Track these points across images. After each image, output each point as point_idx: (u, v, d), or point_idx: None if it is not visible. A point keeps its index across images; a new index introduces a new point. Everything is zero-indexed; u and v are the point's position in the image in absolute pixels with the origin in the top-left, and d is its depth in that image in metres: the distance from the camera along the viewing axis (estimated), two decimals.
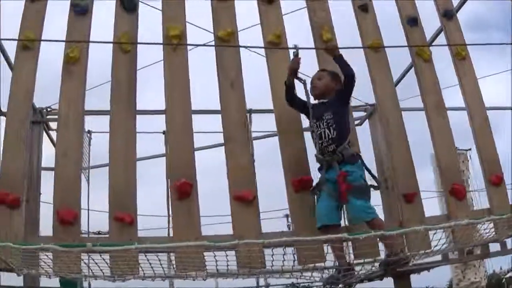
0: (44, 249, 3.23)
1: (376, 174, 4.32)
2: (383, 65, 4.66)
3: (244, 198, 4.10)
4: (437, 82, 4.70)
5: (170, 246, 3.49)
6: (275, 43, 4.48)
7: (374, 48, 4.60)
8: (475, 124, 4.68)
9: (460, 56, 4.77)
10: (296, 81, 4.16)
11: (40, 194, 5.95)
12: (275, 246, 3.51)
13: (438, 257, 5.41)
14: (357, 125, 6.85)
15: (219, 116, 4.40)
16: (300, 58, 4.14)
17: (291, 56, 4.22)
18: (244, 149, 4.25)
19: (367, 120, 5.95)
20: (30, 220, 5.62)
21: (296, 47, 4.16)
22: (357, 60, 4.50)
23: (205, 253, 3.72)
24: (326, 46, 4.34)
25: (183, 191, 4.04)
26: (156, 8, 4.61)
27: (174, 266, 3.92)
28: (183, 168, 4.13)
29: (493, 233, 4.24)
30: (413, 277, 4.70)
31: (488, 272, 10.82)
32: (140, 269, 3.67)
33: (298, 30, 4.94)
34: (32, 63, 4.32)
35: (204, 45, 4.29)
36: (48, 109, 6.22)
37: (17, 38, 4.34)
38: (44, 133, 6.07)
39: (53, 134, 6.72)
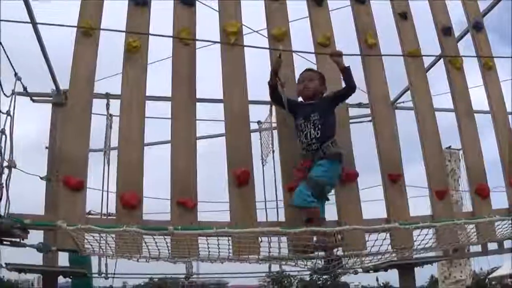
0: (126, 232, 3.37)
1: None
2: (421, 71, 5.01)
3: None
4: (467, 89, 5.07)
5: (253, 231, 3.70)
6: (325, 44, 4.75)
7: (413, 55, 4.93)
8: (498, 129, 5.07)
9: (488, 66, 5.17)
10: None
11: None
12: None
13: (440, 253, 5.83)
14: (369, 121, 7.23)
15: None
16: (282, 59, 4.28)
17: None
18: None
19: None
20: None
21: (280, 49, 4.30)
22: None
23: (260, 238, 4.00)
24: (331, 53, 4.46)
25: (242, 179, 4.27)
26: (212, 8, 4.81)
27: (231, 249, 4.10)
28: (241, 156, 4.35)
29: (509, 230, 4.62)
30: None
31: (473, 271, 11.21)
32: (199, 252, 3.85)
33: (345, 31, 5.18)
34: (92, 49, 4.44)
35: (258, 47, 4.48)
36: None
37: (77, 24, 4.46)
38: None
39: None
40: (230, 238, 3.87)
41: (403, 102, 6.71)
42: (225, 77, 4.54)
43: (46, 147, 6.15)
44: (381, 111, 4.77)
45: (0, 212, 3.84)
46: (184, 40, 4.53)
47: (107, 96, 6.13)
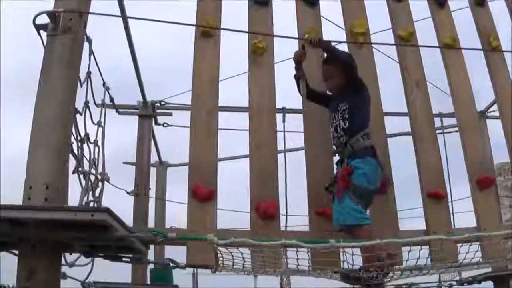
0: (285, 246, 3.15)
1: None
2: None
3: (438, 195, 4.15)
4: None
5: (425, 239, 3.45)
6: (450, 45, 4.56)
7: None
8: None
9: None
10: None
11: (149, 188, 5.81)
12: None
13: None
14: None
15: None
16: (305, 52, 4.08)
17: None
18: (433, 148, 4.29)
19: None
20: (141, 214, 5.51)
21: (307, 38, 4.10)
22: None
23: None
24: (309, 38, 4.13)
25: (382, 188, 3.99)
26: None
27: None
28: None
29: None
30: None
31: None
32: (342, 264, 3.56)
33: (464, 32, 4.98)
34: (214, 50, 4.25)
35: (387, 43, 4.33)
36: (162, 103, 6.07)
37: (196, 24, 4.24)
38: None
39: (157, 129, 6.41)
40: None
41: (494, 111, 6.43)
42: None
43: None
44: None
45: None
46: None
47: None
